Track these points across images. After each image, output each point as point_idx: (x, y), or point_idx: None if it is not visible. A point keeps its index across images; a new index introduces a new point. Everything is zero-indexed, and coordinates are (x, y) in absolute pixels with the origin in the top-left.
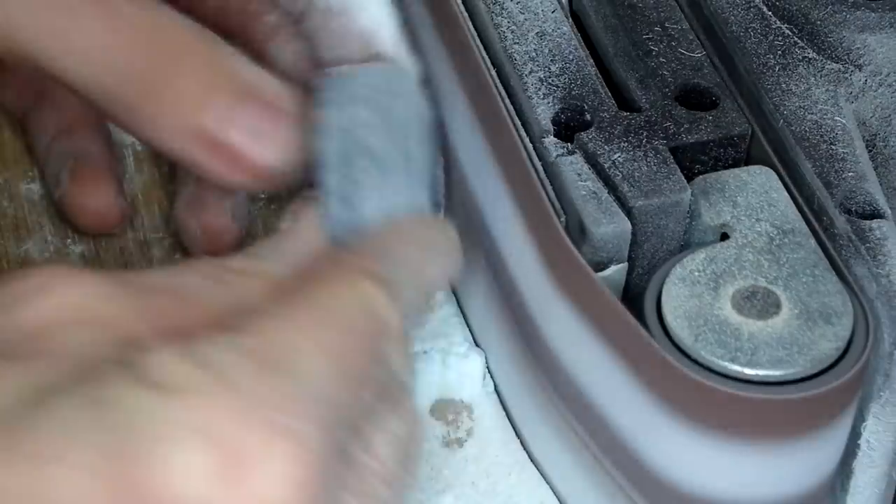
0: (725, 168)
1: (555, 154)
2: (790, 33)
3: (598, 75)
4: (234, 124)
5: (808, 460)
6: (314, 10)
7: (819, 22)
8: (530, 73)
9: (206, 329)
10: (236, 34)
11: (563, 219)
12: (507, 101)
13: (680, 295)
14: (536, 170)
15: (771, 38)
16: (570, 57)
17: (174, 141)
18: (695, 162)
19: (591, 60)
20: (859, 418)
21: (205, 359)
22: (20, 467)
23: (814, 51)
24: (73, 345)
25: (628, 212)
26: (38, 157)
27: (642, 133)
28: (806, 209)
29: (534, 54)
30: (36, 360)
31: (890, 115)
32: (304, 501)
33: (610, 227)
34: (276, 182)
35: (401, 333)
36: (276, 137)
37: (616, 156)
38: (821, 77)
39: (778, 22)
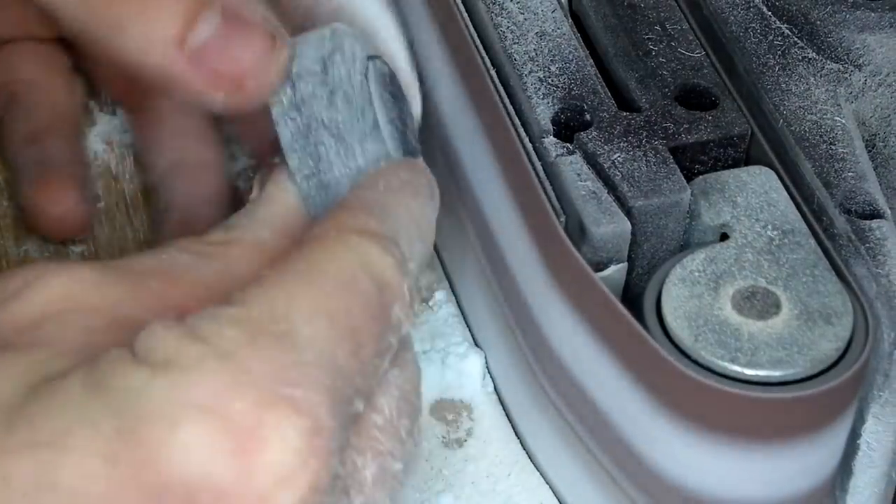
0: (725, 168)
1: (554, 154)
2: (790, 33)
3: (598, 75)
4: (219, 41)
5: (808, 460)
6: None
7: (819, 22)
8: (530, 73)
9: (198, 303)
10: None
11: (562, 219)
12: (507, 101)
13: (680, 295)
14: (536, 170)
15: (771, 38)
16: (570, 57)
17: (159, 59)
18: (694, 162)
19: (591, 60)
20: (859, 418)
21: (201, 333)
22: (24, 455)
23: (813, 51)
24: (70, 332)
25: (628, 212)
26: (8, 165)
27: (642, 133)
28: (806, 209)
29: (533, 54)
30: (36, 350)
31: (889, 116)
32: (314, 469)
33: (610, 227)
34: (251, 100)
35: (402, 288)
36: (256, 51)
37: (616, 156)
38: (820, 77)
39: (778, 22)
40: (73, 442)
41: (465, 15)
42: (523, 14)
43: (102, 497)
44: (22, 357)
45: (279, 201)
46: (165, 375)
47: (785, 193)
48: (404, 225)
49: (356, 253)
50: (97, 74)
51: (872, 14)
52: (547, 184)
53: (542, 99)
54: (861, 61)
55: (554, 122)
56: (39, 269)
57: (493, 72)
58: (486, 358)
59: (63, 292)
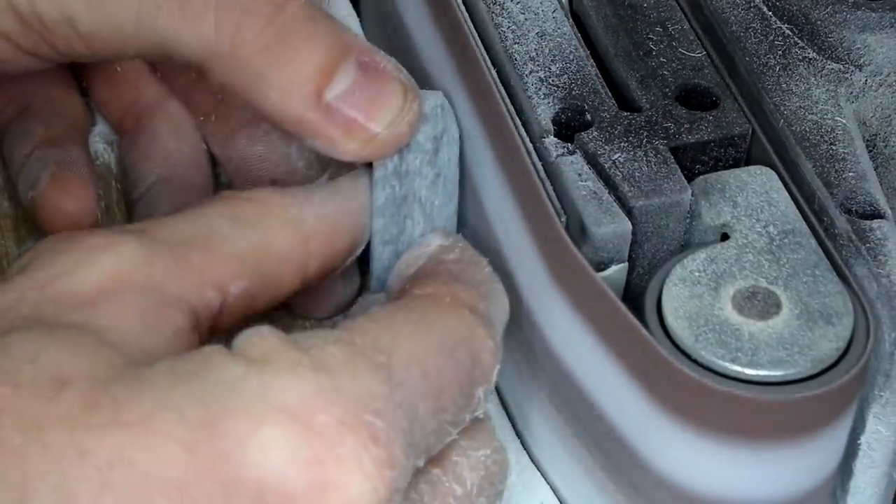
0: (726, 168)
1: (555, 154)
2: (790, 33)
3: (599, 75)
4: (356, 92)
5: (809, 460)
6: None
7: (819, 22)
8: (531, 73)
9: (233, 277)
10: None
11: (563, 219)
12: (508, 101)
13: (680, 295)
14: (537, 170)
15: (771, 38)
16: (571, 57)
17: (298, 111)
18: (695, 162)
19: (592, 60)
20: (859, 419)
21: (304, 343)
22: (105, 433)
23: (814, 51)
24: (128, 312)
25: (629, 212)
26: (13, 165)
27: (643, 133)
28: (806, 209)
29: (534, 54)
30: (104, 330)
31: (890, 115)
32: (381, 499)
33: (610, 227)
34: (383, 152)
35: (493, 373)
36: (391, 105)
37: (616, 156)
38: (821, 77)
39: (778, 22)
40: (156, 425)
41: (466, 15)
42: (524, 14)
43: (176, 482)
44: (94, 335)
45: (344, 195)
46: (259, 372)
47: (785, 193)
48: (498, 313)
49: (466, 326)
50: (95, 97)
51: (873, 14)
52: (548, 184)
53: (543, 99)
54: (862, 61)
55: (554, 122)
56: (87, 246)
57: (493, 72)
58: None
59: (113, 270)
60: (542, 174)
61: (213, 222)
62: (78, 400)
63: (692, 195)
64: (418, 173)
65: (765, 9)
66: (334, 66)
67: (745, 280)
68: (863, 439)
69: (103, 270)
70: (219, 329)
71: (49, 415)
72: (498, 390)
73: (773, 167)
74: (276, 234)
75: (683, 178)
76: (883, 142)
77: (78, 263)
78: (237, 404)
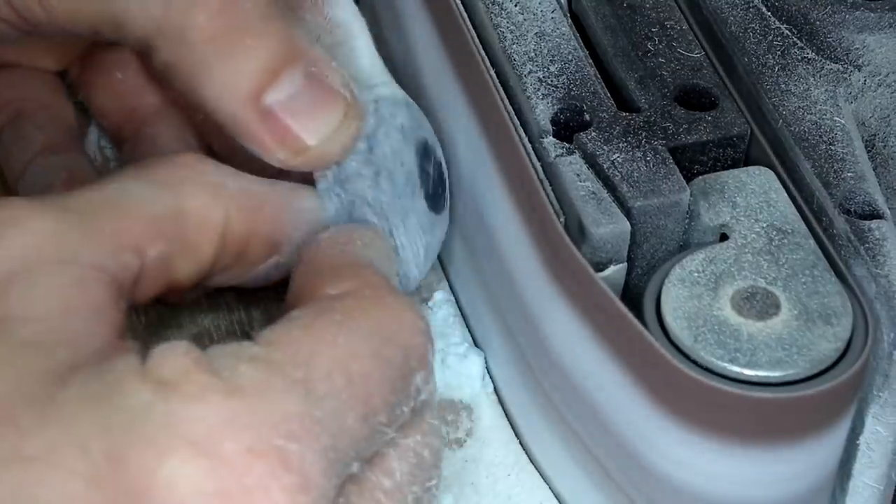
0: (725, 168)
1: (554, 154)
2: (789, 33)
3: (598, 75)
4: (296, 101)
5: (808, 461)
6: None
7: (818, 22)
8: (529, 73)
9: (151, 240)
10: None
11: (562, 219)
12: (507, 101)
13: (679, 295)
14: (536, 170)
15: (770, 38)
16: (570, 57)
17: (234, 107)
18: (694, 162)
19: (591, 61)
20: (858, 419)
21: (215, 364)
22: (8, 468)
23: (813, 51)
24: (43, 299)
25: (627, 212)
26: (11, 171)
27: (641, 133)
28: (805, 209)
29: (533, 54)
30: (16, 323)
31: (889, 116)
32: None
33: (609, 227)
34: (311, 166)
35: (428, 356)
36: (329, 121)
37: (615, 156)
38: (820, 77)
39: (777, 22)
40: (59, 459)
41: (465, 15)
42: (522, 14)
43: None
44: (10, 338)
45: (280, 186)
46: (166, 400)
47: (784, 194)
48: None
49: (392, 315)
50: (94, 104)
51: (872, 14)
52: (546, 184)
53: (542, 99)
54: (860, 61)
55: (553, 122)
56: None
57: (492, 72)
58: (485, 358)
59: (23, 246)
60: (541, 174)
61: (127, 185)
62: None
63: (691, 195)
64: (358, 175)
65: (764, 9)
66: (280, 69)
67: (743, 280)
68: (862, 439)
69: (11, 250)
70: (141, 298)
71: None
72: (497, 391)
73: (772, 167)
74: (193, 198)
75: (682, 179)
76: (882, 142)
77: None
78: (142, 435)
